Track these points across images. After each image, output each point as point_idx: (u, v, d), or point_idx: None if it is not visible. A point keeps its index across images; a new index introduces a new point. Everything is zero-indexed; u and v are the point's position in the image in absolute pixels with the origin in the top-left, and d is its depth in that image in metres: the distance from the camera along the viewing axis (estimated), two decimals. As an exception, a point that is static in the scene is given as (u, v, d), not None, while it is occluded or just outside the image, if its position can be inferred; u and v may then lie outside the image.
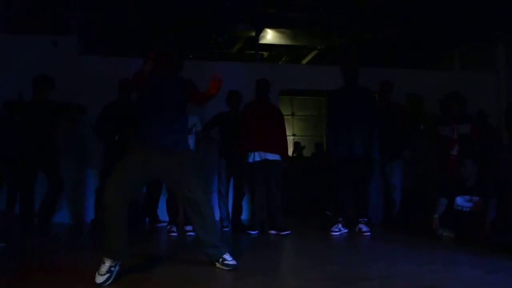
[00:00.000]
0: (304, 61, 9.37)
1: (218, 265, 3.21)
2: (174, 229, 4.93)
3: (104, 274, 2.83)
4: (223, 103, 5.45)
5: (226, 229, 5.31)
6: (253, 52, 8.50)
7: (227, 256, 3.22)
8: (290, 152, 7.70)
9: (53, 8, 6.46)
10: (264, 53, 9.08)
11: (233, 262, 3.20)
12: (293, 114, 10.58)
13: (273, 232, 4.88)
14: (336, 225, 4.77)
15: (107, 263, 2.88)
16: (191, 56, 8.47)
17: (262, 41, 8.05)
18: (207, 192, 3.43)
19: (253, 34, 7.89)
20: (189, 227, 4.92)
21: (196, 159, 3.47)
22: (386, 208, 5.57)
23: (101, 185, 4.87)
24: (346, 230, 4.78)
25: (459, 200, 4.51)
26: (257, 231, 4.87)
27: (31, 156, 4.64)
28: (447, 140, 5.08)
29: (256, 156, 4.90)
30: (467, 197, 4.49)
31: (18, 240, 4.45)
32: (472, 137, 5.03)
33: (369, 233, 4.70)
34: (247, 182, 5.17)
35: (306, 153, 9.58)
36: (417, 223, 5.01)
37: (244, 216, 5.61)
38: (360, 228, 4.77)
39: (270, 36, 8.09)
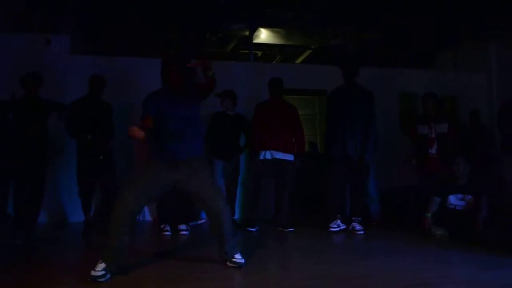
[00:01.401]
0: (298, 61, 9.38)
1: (228, 263, 3.27)
2: (167, 228, 4.91)
3: (100, 271, 2.89)
4: (216, 103, 5.44)
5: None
6: (247, 51, 8.49)
7: (237, 255, 3.29)
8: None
9: (45, 7, 6.41)
10: (258, 52, 9.07)
11: (241, 261, 3.26)
12: (287, 114, 10.58)
13: (280, 228, 4.95)
14: (334, 221, 4.80)
15: (103, 265, 2.92)
16: (185, 55, 8.47)
17: (256, 41, 8.04)
18: (222, 195, 3.46)
19: (247, 33, 7.89)
20: (182, 226, 4.91)
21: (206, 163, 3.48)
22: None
23: (81, 187, 4.82)
24: (344, 226, 4.81)
25: (452, 198, 4.54)
26: (256, 228, 4.90)
27: (27, 154, 4.58)
28: (425, 139, 5.13)
29: (267, 155, 4.93)
30: (460, 195, 4.52)
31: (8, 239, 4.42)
32: (448, 136, 5.08)
33: (362, 232, 4.72)
34: (253, 178, 5.16)
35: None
36: (410, 222, 5.03)
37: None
38: (353, 227, 4.78)
39: (264, 35, 8.08)
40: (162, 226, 4.94)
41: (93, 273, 2.88)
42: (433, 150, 5.08)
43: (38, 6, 6.36)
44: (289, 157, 4.99)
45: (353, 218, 4.85)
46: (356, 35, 8.24)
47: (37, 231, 4.73)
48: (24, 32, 6.18)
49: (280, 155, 4.95)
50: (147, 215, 6.04)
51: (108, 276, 2.92)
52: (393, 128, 6.86)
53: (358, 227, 4.77)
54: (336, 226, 4.78)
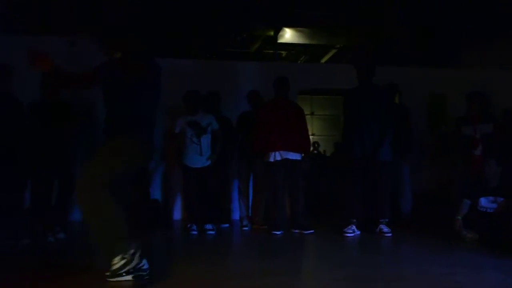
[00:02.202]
0: (323, 60, 9.31)
1: None
2: (194, 227, 4.95)
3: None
4: (243, 103, 5.48)
5: (246, 228, 5.32)
6: (272, 51, 8.49)
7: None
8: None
9: (71, 9, 6.54)
10: (282, 52, 9.05)
11: None
12: (312, 114, 10.52)
13: (296, 231, 4.87)
14: (349, 227, 4.69)
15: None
16: (209, 56, 8.53)
17: (281, 40, 8.04)
18: None
19: (272, 33, 7.88)
20: (208, 226, 4.94)
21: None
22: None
23: None
24: (359, 232, 4.71)
25: (483, 201, 4.42)
26: (281, 231, 4.85)
27: (50, 155, 4.67)
28: (469, 140, 4.99)
29: (276, 156, 4.88)
30: (491, 198, 4.39)
31: (41, 236, 4.52)
32: (495, 137, 4.92)
33: (390, 234, 4.63)
34: (266, 181, 5.15)
35: (327, 152, 9.52)
36: (439, 225, 4.93)
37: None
38: (381, 229, 4.70)
39: (288, 35, 8.06)
40: (188, 226, 4.98)
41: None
42: (477, 151, 4.93)
43: (63, 8, 6.49)
44: (299, 156, 4.96)
45: (380, 220, 4.76)
46: (380, 34, 8.14)
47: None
48: (50, 34, 6.32)
49: (290, 155, 4.90)
50: (175, 214, 6.11)
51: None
52: (422, 128, 6.72)
53: (385, 229, 4.67)
54: (351, 231, 4.66)
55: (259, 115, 5.07)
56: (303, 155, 5.01)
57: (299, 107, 5.22)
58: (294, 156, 4.91)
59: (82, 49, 6.13)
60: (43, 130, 4.59)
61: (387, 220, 4.75)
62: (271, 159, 4.90)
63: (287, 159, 4.88)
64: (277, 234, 4.82)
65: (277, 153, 4.89)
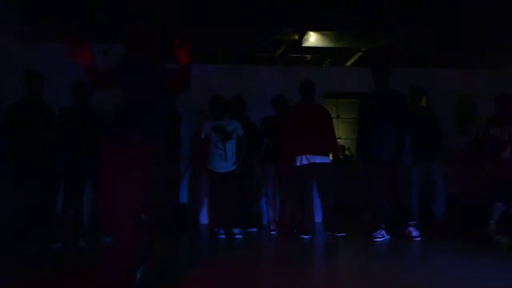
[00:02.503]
0: (348, 63, 9.24)
1: None
2: (221, 231, 4.98)
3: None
4: (268, 107, 5.48)
5: (273, 232, 5.33)
6: (296, 55, 8.47)
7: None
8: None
9: (103, 17, 6.69)
10: (307, 56, 9.03)
11: None
12: (338, 117, 10.45)
13: (328, 232, 4.91)
14: (378, 231, 4.64)
15: None
16: (234, 60, 8.58)
17: (305, 44, 8.01)
18: None
19: (296, 37, 7.87)
20: (236, 230, 4.96)
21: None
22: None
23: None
24: (388, 237, 4.65)
25: (517, 205, 4.30)
26: (309, 236, 4.84)
27: (84, 161, 4.76)
28: (498, 143, 4.88)
29: (303, 160, 4.87)
30: (525, 201, 4.27)
31: (72, 240, 4.63)
32: None
33: (419, 238, 4.57)
34: (293, 185, 5.13)
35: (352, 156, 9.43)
36: (471, 229, 4.82)
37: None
38: (409, 232, 4.64)
39: (313, 38, 8.03)
40: (216, 230, 5.01)
41: None
42: (506, 154, 4.83)
43: (95, 16, 6.65)
44: (327, 159, 4.95)
45: (409, 223, 4.70)
46: (407, 35, 8.03)
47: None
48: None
49: (317, 159, 4.88)
50: (202, 218, 6.15)
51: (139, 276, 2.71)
52: (450, 131, 6.57)
53: (414, 232, 4.61)
54: (380, 236, 4.61)
55: (286, 119, 5.08)
56: (331, 158, 4.99)
57: (326, 111, 5.21)
58: (322, 159, 4.90)
59: (114, 58, 6.28)
60: (76, 134, 4.70)
61: (415, 222, 4.69)
62: (298, 163, 4.89)
63: (314, 163, 4.87)
64: (305, 238, 4.81)
65: (303, 157, 4.88)
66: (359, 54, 8.98)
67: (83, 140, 4.64)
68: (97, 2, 6.31)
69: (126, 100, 2.81)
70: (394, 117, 4.66)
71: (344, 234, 4.85)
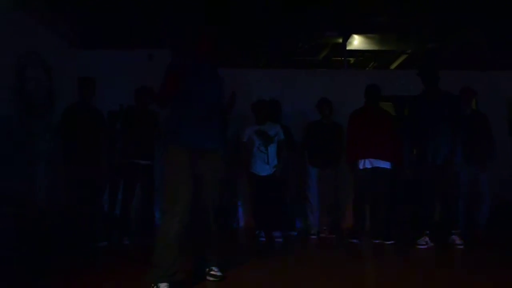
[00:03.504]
0: (392, 66, 9.06)
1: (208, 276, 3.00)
2: (262, 234, 5.01)
3: None
4: (311, 111, 5.48)
5: (314, 236, 5.31)
6: (339, 58, 8.40)
7: (215, 268, 3.03)
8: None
9: (148, 23, 6.90)
10: (350, 59, 8.93)
11: (219, 273, 3.01)
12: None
13: (377, 241, 4.82)
14: (423, 238, 4.52)
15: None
16: (277, 64, 8.60)
17: (349, 47, 7.93)
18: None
19: (340, 40, 7.81)
20: (277, 233, 4.97)
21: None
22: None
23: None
24: (432, 244, 4.51)
25: None
26: (357, 240, 4.81)
27: (133, 161, 4.92)
28: None
29: (366, 163, 4.84)
30: None
31: (117, 239, 4.80)
32: None
33: (462, 246, 4.44)
34: (355, 189, 5.08)
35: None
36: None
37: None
38: (453, 240, 4.52)
39: (356, 42, 7.94)
40: (257, 232, 5.05)
41: None
42: None
43: (140, 22, 6.87)
44: (388, 165, 4.86)
45: (452, 231, 4.57)
46: (455, 37, 7.79)
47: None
48: (128, 48, 6.72)
49: (380, 163, 4.82)
50: (241, 220, 6.21)
51: None
52: (501, 136, 6.31)
53: (458, 241, 4.48)
54: (424, 243, 4.48)
55: (350, 122, 5.08)
56: (393, 164, 4.90)
57: (390, 115, 5.17)
58: (384, 164, 4.84)
59: (159, 62, 6.47)
60: (132, 134, 4.87)
61: (459, 230, 4.56)
62: (361, 167, 4.87)
63: (377, 167, 4.82)
64: (354, 242, 4.79)
65: (367, 160, 4.85)
66: (404, 56, 8.79)
67: (136, 142, 4.82)
68: (143, 9, 6.51)
69: (191, 106, 2.95)
70: (447, 119, 4.53)
71: (393, 241, 4.76)
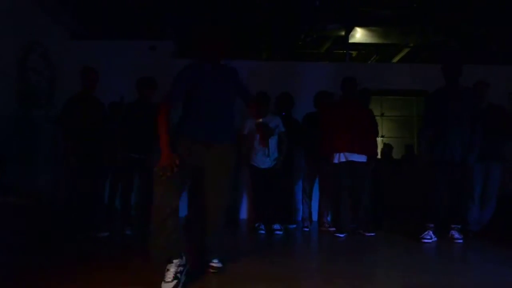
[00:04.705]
0: (394, 60, 9.04)
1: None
2: (262, 226, 5.03)
3: (171, 281, 2.59)
4: (310, 104, 5.47)
5: (306, 229, 5.36)
6: (341, 51, 8.38)
7: (215, 259, 3.07)
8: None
9: (150, 14, 6.89)
10: (352, 52, 8.90)
11: (219, 265, 3.05)
12: (382, 115, 10.23)
13: (359, 232, 4.88)
14: (427, 232, 4.53)
15: (172, 269, 2.64)
16: (279, 57, 8.59)
17: (351, 40, 7.90)
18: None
19: (343, 33, 7.79)
20: (276, 226, 4.99)
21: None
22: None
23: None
24: (436, 239, 4.53)
25: None
26: (344, 234, 4.81)
27: (132, 154, 4.92)
28: None
29: (341, 157, 4.84)
30: None
31: (119, 230, 4.82)
32: None
33: (461, 240, 4.46)
34: (332, 183, 5.12)
35: (396, 155, 9.21)
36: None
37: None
38: (452, 235, 4.53)
39: (359, 34, 7.91)
40: (256, 225, 5.07)
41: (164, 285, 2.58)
42: None
43: (142, 13, 6.86)
44: (364, 158, 4.85)
45: (453, 226, 4.59)
46: (459, 31, 7.76)
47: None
48: (131, 39, 6.71)
49: (355, 157, 4.81)
50: (242, 213, 6.24)
51: (182, 281, 2.65)
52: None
53: (457, 235, 4.51)
54: (429, 237, 4.49)
55: (325, 116, 5.04)
56: (368, 157, 4.91)
57: (367, 109, 5.13)
58: (359, 158, 4.83)
59: (161, 54, 6.47)
60: (136, 127, 4.86)
61: (459, 226, 4.60)
62: (336, 161, 4.86)
63: (352, 161, 4.82)
64: (340, 236, 4.78)
65: (341, 154, 4.84)
66: (406, 50, 8.76)
67: (135, 135, 4.82)
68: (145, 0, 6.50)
69: (202, 103, 2.94)
70: (466, 116, 4.51)
71: (373, 234, 4.80)
